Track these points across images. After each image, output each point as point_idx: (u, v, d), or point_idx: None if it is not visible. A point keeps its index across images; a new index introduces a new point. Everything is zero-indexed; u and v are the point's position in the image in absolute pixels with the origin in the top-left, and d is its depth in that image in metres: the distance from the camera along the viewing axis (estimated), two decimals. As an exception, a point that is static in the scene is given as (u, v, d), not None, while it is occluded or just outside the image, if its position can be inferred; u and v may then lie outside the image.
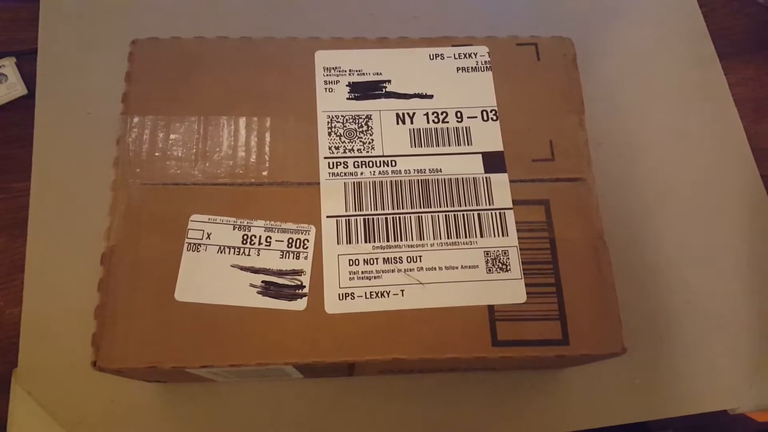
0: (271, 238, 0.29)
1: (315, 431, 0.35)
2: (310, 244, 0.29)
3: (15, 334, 0.36)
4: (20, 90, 0.41)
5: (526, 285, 0.29)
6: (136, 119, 0.31)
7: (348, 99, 0.32)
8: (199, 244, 0.29)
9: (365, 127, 0.32)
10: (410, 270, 0.29)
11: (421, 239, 0.30)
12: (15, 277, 0.37)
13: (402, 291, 0.29)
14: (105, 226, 0.29)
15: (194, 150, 0.31)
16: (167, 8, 0.44)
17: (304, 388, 0.35)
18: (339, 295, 0.28)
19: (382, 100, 0.32)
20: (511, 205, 0.30)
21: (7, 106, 0.41)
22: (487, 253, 0.29)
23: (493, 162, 0.31)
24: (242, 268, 0.29)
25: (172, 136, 0.31)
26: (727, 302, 0.39)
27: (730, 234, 0.41)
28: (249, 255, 0.29)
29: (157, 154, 0.30)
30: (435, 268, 0.29)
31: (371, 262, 0.29)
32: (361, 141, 0.31)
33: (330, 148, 0.31)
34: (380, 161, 0.31)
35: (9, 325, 0.36)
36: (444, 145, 0.31)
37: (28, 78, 0.42)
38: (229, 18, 0.44)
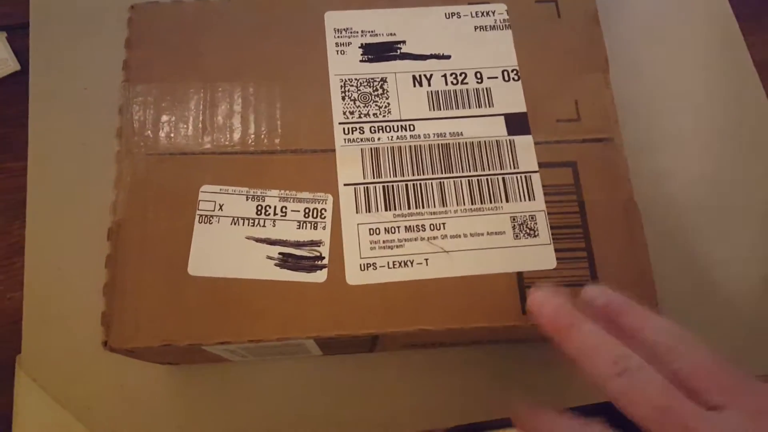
0: (286, 208, 0.28)
1: (334, 410, 0.34)
2: (328, 214, 0.28)
3: (17, 320, 0.34)
4: (13, 66, 0.39)
5: (556, 250, 0.28)
6: (139, 87, 0.29)
7: (361, 61, 0.31)
8: (211, 216, 0.27)
9: (380, 91, 0.30)
10: (434, 238, 0.28)
11: (444, 206, 0.28)
12: (15, 260, 0.36)
13: (426, 260, 0.27)
14: (110, 200, 0.27)
15: (201, 118, 0.29)
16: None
17: (322, 366, 0.34)
18: (360, 265, 0.27)
19: (397, 61, 0.31)
20: (536, 168, 0.29)
21: (-1, 83, 0.40)
22: (514, 219, 0.28)
23: (516, 124, 0.30)
24: (258, 240, 0.27)
25: (177, 104, 0.29)
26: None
27: (756, 194, 0.39)
28: (264, 226, 0.27)
29: (162, 122, 0.29)
30: (460, 236, 0.28)
31: (393, 231, 0.28)
32: (376, 105, 0.30)
33: (344, 113, 0.29)
34: (398, 126, 0.29)
35: (10, 310, 0.35)
36: (464, 107, 0.30)
37: (21, 53, 0.40)
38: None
